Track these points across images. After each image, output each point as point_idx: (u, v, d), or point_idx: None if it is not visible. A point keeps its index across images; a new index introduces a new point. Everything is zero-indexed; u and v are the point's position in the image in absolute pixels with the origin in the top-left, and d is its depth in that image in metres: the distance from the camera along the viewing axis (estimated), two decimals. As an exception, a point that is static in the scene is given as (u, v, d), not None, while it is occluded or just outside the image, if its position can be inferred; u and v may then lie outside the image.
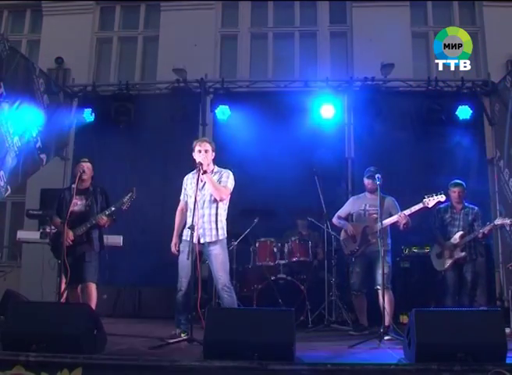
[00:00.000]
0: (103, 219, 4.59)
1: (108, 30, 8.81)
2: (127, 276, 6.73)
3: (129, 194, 4.57)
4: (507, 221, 5.21)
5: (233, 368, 3.04)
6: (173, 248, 4.54)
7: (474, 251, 5.34)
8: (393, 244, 5.25)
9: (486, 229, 5.18)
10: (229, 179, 4.48)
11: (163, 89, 7.34)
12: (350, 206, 5.50)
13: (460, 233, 5.26)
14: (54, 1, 8.55)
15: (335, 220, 5.51)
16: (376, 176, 4.93)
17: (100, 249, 4.74)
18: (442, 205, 5.41)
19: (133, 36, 8.77)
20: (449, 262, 5.28)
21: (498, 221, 5.23)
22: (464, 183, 5.50)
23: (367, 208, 5.26)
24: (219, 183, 4.43)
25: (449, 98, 6.91)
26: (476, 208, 5.46)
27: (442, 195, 4.90)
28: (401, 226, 5.01)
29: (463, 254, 5.22)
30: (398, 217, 4.96)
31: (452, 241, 5.29)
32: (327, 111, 6.96)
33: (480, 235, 5.21)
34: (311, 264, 5.89)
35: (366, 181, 5.26)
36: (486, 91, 6.95)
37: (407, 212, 4.97)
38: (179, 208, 4.67)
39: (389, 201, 5.20)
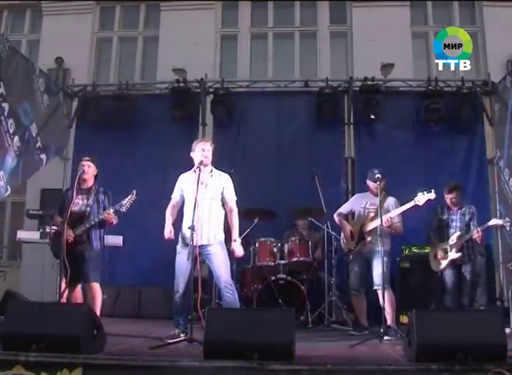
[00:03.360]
0: (110, 214, 4.55)
1: (108, 30, 8.82)
2: (127, 276, 6.73)
3: (128, 197, 4.57)
4: (500, 222, 5.22)
5: (233, 368, 3.04)
6: (167, 234, 4.44)
7: (472, 252, 5.31)
8: (393, 244, 5.23)
9: (480, 230, 5.13)
10: (231, 188, 4.53)
11: (163, 89, 7.33)
12: (352, 203, 5.47)
13: (458, 233, 5.25)
14: (54, 1, 8.55)
15: (335, 217, 5.48)
16: (376, 176, 4.93)
17: (100, 249, 4.71)
18: (438, 206, 5.41)
19: (133, 36, 8.77)
20: (445, 263, 5.25)
21: (492, 222, 5.21)
22: (459, 185, 5.46)
23: (367, 206, 5.21)
24: (222, 192, 4.46)
25: (449, 98, 6.91)
26: (473, 207, 5.43)
27: (432, 193, 4.84)
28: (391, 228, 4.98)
29: (459, 255, 5.18)
30: (383, 221, 4.84)
31: (449, 241, 5.28)
32: (327, 111, 6.96)
33: (474, 236, 5.14)
34: (311, 264, 5.89)
35: (371, 185, 5.14)
36: (486, 91, 6.95)
37: (397, 211, 4.94)
38: (171, 205, 4.62)
39: (390, 201, 5.15)
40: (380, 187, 4.93)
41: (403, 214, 5.04)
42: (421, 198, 4.85)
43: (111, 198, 4.79)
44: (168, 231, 4.47)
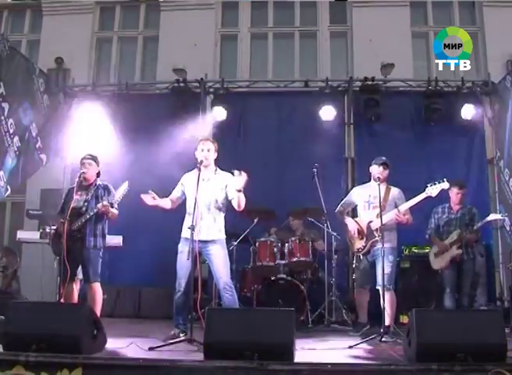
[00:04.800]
0: (106, 206, 4.50)
1: (108, 30, 8.82)
2: (127, 276, 6.73)
3: (121, 187, 4.53)
4: (499, 216, 5.29)
5: (233, 368, 3.04)
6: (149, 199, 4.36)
7: (472, 251, 5.31)
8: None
9: (479, 225, 5.17)
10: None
11: (163, 89, 7.33)
12: (353, 196, 5.29)
13: (458, 231, 5.25)
14: (54, 1, 8.56)
15: (338, 214, 5.33)
16: (381, 161, 4.92)
17: (96, 246, 4.62)
18: (439, 206, 5.41)
19: (133, 36, 8.77)
20: (445, 261, 5.25)
21: (491, 217, 5.26)
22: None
23: (371, 200, 5.01)
24: (225, 188, 4.44)
25: (449, 98, 6.91)
26: (474, 208, 5.43)
27: (445, 183, 4.76)
28: (403, 222, 4.88)
29: (459, 251, 5.18)
30: (395, 215, 4.79)
31: (449, 239, 5.28)
32: (327, 111, 6.96)
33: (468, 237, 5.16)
34: (311, 264, 5.88)
35: (377, 169, 4.98)
36: (486, 91, 6.96)
37: (410, 203, 4.85)
38: (169, 197, 4.60)
39: (395, 192, 5.02)
40: (384, 174, 4.89)
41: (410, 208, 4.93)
42: (434, 189, 4.74)
43: (112, 193, 4.70)
44: (151, 197, 4.37)
